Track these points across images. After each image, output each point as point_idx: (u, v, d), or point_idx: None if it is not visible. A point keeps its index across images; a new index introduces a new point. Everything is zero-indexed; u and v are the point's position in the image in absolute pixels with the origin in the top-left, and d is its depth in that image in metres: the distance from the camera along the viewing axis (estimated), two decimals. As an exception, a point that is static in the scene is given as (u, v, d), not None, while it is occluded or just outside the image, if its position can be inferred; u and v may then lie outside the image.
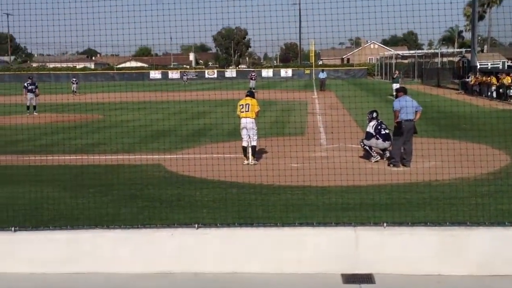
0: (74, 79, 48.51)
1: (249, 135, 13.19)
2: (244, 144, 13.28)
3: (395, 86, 38.55)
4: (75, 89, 44.81)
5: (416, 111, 12.71)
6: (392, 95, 38.15)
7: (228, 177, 10.56)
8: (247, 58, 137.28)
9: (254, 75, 50.32)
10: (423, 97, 22.87)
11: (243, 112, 13.35)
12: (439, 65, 60.30)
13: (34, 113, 27.57)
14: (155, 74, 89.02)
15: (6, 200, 9.49)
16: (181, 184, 10.95)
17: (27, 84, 28.65)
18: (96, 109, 27.06)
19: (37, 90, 28.61)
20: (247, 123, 13.25)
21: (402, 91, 13.25)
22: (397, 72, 45.85)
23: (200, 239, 6.75)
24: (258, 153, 13.51)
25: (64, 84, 48.21)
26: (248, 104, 13.37)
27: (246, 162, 13.07)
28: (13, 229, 6.97)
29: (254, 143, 13.24)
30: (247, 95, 13.77)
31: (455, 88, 43.84)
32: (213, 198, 9.80)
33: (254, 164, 12.91)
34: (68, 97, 27.73)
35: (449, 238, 6.60)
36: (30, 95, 28.15)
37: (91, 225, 7.33)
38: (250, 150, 13.21)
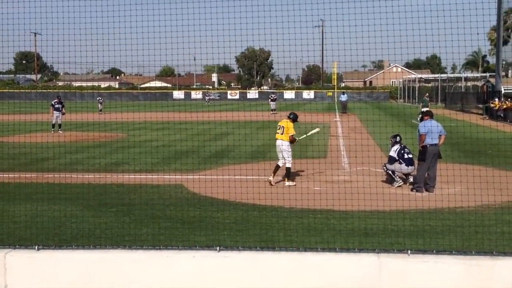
0: (100, 98, 49.26)
1: (282, 156, 13.33)
2: (279, 163, 13.43)
3: (425, 109, 38.45)
4: (100, 108, 45.45)
5: (440, 135, 12.58)
6: (417, 120, 37.93)
7: (249, 199, 10.54)
8: (269, 79, 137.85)
9: (274, 96, 50.31)
10: (448, 122, 22.64)
11: (278, 133, 13.58)
12: (463, 89, 59.87)
13: (59, 131, 28.00)
14: (178, 94, 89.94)
15: (29, 217, 9.58)
16: (202, 205, 10.95)
17: (55, 102, 29.19)
18: (119, 128, 27.41)
19: (63, 109, 29.14)
20: (278, 145, 13.47)
21: (428, 115, 13.08)
22: (427, 94, 45.66)
23: (221, 262, 6.71)
24: (280, 175, 13.45)
25: (89, 103, 48.94)
26: (283, 127, 13.49)
27: (269, 178, 13.14)
28: (36, 247, 7.02)
29: (288, 165, 13.30)
30: (288, 117, 13.80)
31: (479, 113, 43.40)
32: (234, 220, 9.76)
33: (289, 186, 12.96)
34: (93, 116, 28.12)
35: (474, 268, 6.46)
36: (56, 113, 28.70)
37: (113, 244, 7.36)
38: (275, 169, 13.30)
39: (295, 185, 13.03)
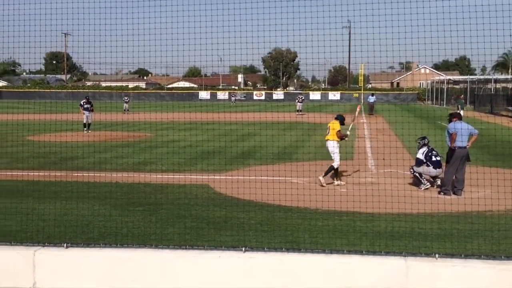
0: (126, 98, 49.75)
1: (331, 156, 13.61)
2: (334, 165, 13.55)
3: (460, 111, 37.89)
4: (127, 108, 45.88)
5: (471, 134, 12.38)
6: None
7: (275, 200, 10.54)
8: (295, 80, 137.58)
9: (301, 97, 50.21)
10: (479, 124, 22.30)
11: (326, 134, 13.84)
12: (492, 92, 58.85)
13: (88, 130, 28.38)
14: (204, 95, 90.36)
15: (58, 216, 9.73)
16: (228, 206, 10.98)
17: (83, 102, 29.58)
18: (147, 128, 27.68)
19: (92, 108, 29.51)
20: (327, 145, 13.73)
21: (456, 116, 12.88)
22: (461, 95, 44.96)
23: (247, 263, 6.72)
24: (306, 176, 13.40)
25: (118, 103, 49.43)
26: (329, 127, 13.78)
27: (336, 182, 13.45)
28: (65, 245, 7.13)
29: (334, 164, 13.47)
30: (335, 118, 13.97)
31: (509, 115, 42.64)
32: (259, 221, 9.77)
33: (339, 184, 13.26)
34: (122, 116, 28.41)
35: (504, 273, 6.34)
36: (86, 113, 29.07)
37: (139, 243, 7.43)
38: (329, 169, 13.53)
39: (342, 184, 13.30)
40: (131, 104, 51.71)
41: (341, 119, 13.84)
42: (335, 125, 13.66)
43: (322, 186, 12.96)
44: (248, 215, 10.14)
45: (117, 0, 9.64)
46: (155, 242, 7.51)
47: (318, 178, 13.21)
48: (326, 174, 13.35)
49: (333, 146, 13.53)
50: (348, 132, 13.92)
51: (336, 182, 13.44)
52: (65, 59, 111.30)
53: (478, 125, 22.75)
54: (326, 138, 13.78)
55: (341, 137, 13.61)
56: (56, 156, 17.63)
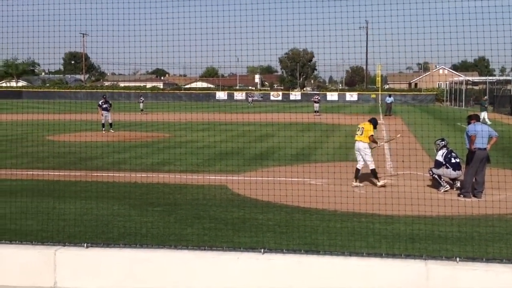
0: (142, 98, 50.02)
1: (362, 158, 13.52)
2: (358, 166, 13.60)
3: (483, 114, 37.57)
4: (142, 108, 46.14)
5: (491, 137, 12.24)
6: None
7: (293, 202, 10.52)
8: (312, 80, 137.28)
9: (318, 98, 50.13)
10: (499, 126, 22.05)
11: (357, 134, 13.74)
12: (512, 93, 58.10)
13: (111, 130, 28.52)
14: (221, 95, 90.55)
15: (78, 215, 9.82)
16: (246, 207, 10.98)
17: (102, 102, 29.75)
18: (164, 129, 27.82)
19: (111, 107, 29.69)
20: (358, 146, 13.61)
21: (475, 118, 12.72)
22: (485, 97, 44.31)
23: (265, 265, 6.72)
24: (323, 177, 13.35)
25: (136, 104, 49.72)
26: (363, 128, 13.69)
27: (354, 184, 13.36)
28: (85, 245, 7.19)
29: (371, 167, 13.46)
30: (369, 121, 13.97)
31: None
32: (278, 222, 9.76)
33: (383, 185, 13.14)
34: (140, 117, 28.53)
35: (526, 277, 6.27)
36: (105, 113, 29.22)
37: (158, 244, 7.47)
38: (358, 173, 13.58)
39: (385, 183, 13.23)
40: (148, 104, 52.01)
41: (374, 123, 13.87)
42: (368, 127, 13.66)
43: (384, 186, 13.00)
44: (267, 216, 10.14)
45: (135, 1, 9.72)
46: (174, 243, 7.54)
47: (376, 186, 13.19)
48: (376, 178, 13.42)
49: (364, 147, 13.53)
50: (380, 143, 14.00)
51: (354, 184, 13.39)
52: (83, 59, 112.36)
53: (499, 126, 22.49)
54: (358, 139, 13.66)
55: (373, 141, 13.67)
56: (75, 156, 17.80)
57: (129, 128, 29.45)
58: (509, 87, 62.46)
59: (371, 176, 13.78)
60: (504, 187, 11.17)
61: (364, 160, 13.54)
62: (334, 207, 10.37)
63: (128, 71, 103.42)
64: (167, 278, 6.83)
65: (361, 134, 13.64)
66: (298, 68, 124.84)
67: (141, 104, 47.10)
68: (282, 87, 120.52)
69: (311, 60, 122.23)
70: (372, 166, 13.48)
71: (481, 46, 8.58)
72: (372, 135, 13.59)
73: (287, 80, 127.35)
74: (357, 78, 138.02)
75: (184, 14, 9.45)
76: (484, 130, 12.23)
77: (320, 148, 20.35)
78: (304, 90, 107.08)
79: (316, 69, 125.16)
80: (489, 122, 36.04)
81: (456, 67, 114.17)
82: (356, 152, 13.73)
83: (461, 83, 72.41)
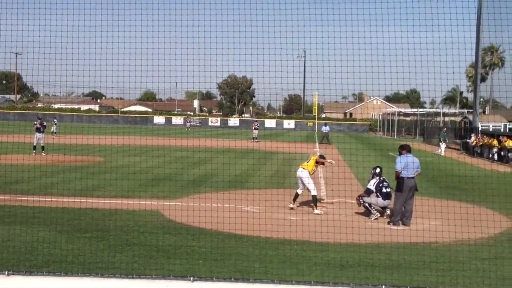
0: (55, 120, 48.67)
1: (305, 185, 14.00)
2: (298, 191, 14.21)
3: (443, 146, 38.93)
4: (55, 130, 44.89)
5: (415, 171, 12.68)
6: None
7: (226, 229, 10.47)
8: (251, 107, 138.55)
9: (257, 124, 50.68)
10: (424, 155, 22.88)
11: (303, 163, 14.41)
12: (441, 125, 60.74)
13: (42, 153, 27.57)
14: (159, 119, 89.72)
15: (1, 241, 9.37)
16: (178, 233, 10.83)
17: (36, 123, 28.83)
18: (97, 152, 27.18)
19: (45, 129, 28.85)
20: (300, 175, 14.10)
21: (405, 149, 13.11)
22: (444, 129, 45.62)
23: (195, 293, 6.63)
24: (259, 204, 13.38)
25: (69, 124, 48.44)
26: (310, 158, 14.50)
27: (290, 205, 13.94)
28: (6, 272, 6.87)
29: (313, 193, 13.83)
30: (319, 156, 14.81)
31: (457, 148, 44.01)
32: (210, 249, 9.67)
33: (319, 213, 13.41)
34: (51, 139, 27.67)
35: (448, 304, 6.47)
36: (38, 135, 28.27)
37: (85, 271, 7.23)
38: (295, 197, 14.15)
39: (322, 213, 13.48)
40: (85, 127, 50.78)
41: (322, 157, 14.78)
42: (314, 158, 14.46)
43: (320, 214, 13.24)
44: (199, 243, 10.03)
45: (70, 19, 9.55)
46: (102, 271, 7.32)
47: (313, 214, 13.44)
48: (315, 205, 13.74)
49: (307, 176, 14.02)
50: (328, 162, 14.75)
51: (290, 205, 13.97)
52: (15, 79, 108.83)
53: (424, 155, 23.36)
54: (303, 167, 14.20)
55: (322, 163, 14.58)
56: (0, 179, 17.05)
57: (58, 152, 28.56)
58: (438, 119, 65.29)
59: (309, 203, 14.01)
60: (431, 216, 11.56)
61: (307, 188, 13.96)
62: (268, 234, 10.39)
63: (62, 92, 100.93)
64: (91, 307, 6.60)
65: (307, 163, 14.22)
66: (237, 94, 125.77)
67: (54, 127, 45.56)
68: (220, 113, 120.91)
69: (250, 87, 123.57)
70: (314, 192, 13.86)
71: (413, 79, 8.97)
72: (318, 161, 14.35)
73: (225, 106, 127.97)
74: (295, 106, 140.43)
75: (121, 37, 9.37)
76: (414, 161, 12.63)
77: (256, 176, 20.44)
78: (242, 117, 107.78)
79: (254, 96, 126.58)
80: (442, 154, 37.50)
81: (389, 99, 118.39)
82: (298, 179, 14.19)
83: (393, 114, 75.11)
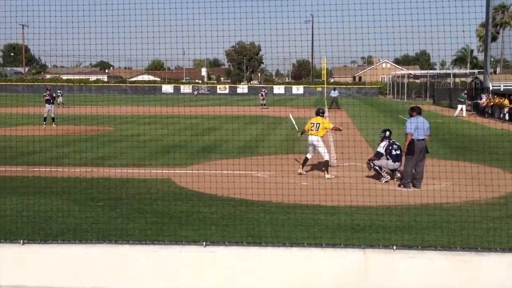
0: (59, 91, 48.56)
1: (317, 151, 14.07)
2: (308, 155, 14.26)
3: (461, 106, 38.56)
4: (61, 101, 44.92)
5: (425, 135, 12.59)
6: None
7: (237, 194, 10.54)
8: (259, 74, 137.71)
9: (265, 91, 50.46)
10: (434, 117, 22.74)
11: (312, 130, 14.18)
12: (451, 86, 60.15)
13: (53, 125, 27.70)
14: (167, 88, 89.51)
15: (16, 211, 9.51)
16: (190, 200, 10.92)
17: (46, 94, 28.88)
18: (108, 122, 27.28)
19: (54, 101, 28.92)
20: (312, 139, 14.11)
21: (416, 111, 13.01)
22: (465, 91, 44.81)
23: (207, 257, 6.71)
24: (270, 170, 13.44)
25: (81, 97, 48.44)
26: (318, 124, 14.17)
27: (299, 171, 14.06)
28: (21, 241, 6.97)
29: (326, 158, 13.94)
30: (317, 114, 14.46)
31: (467, 109, 43.66)
32: (222, 215, 9.76)
33: (330, 178, 13.43)
34: (85, 110, 27.75)
35: (459, 264, 6.50)
36: (48, 106, 28.36)
37: (99, 239, 7.33)
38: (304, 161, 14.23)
39: (332, 177, 13.48)
40: (94, 97, 50.80)
41: (323, 113, 14.70)
42: (325, 122, 14.37)
43: (330, 179, 13.24)
44: (210, 210, 10.12)
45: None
46: (115, 238, 7.41)
47: (324, 178, 13.51)
48: (326, 169, 13.80)
49: (318, 140, 14.09)
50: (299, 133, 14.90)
51: (299, 171, 14.06)
52: (23, 51, 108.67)
53: (439, 118, 23.24)
54: (313, 134, 14.13)
55: (337, 129, 14.65)
56: (13, 150, 17.19)
57: (68, 122, 28.70)
58: (448, 80, 64.63)
59: (319, 167, 14.06)
60: (442, 177, 11.54)
61: (319, 152, 14.02)
62: (277, 199, 10.45)
63: (70, 63, 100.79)
64: (106, 273, 6.71)
65: (317, 130, 14.11)
66: (245, 61, 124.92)
67: (60, 98, 45.55)
68: (229, 81, 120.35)
69: (258, 54, 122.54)
70: (326, 157, 13.92)
71: (422, 40, 8.83)
72: (333, 126, 14.43)
73: (234, 74, 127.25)
74: (303, 72, 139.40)
75: (129, 6, 9.27)
76: (420, 122, 12.56)
77: (265, 141, 20.46)
78: (251, 84, 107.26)
79: (263, 63, 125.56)
80: (464, 115, 37.25)
81: (398, 61, 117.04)
82: (310, 145, 14.19)
83: (403, 76, 74.37)
